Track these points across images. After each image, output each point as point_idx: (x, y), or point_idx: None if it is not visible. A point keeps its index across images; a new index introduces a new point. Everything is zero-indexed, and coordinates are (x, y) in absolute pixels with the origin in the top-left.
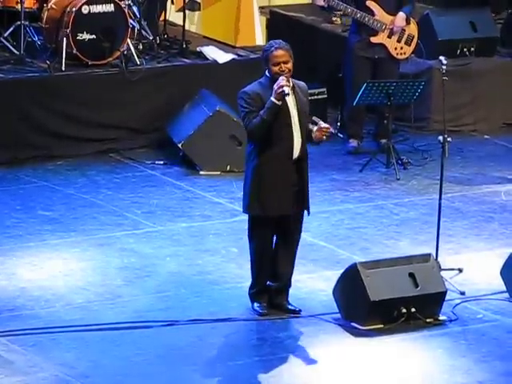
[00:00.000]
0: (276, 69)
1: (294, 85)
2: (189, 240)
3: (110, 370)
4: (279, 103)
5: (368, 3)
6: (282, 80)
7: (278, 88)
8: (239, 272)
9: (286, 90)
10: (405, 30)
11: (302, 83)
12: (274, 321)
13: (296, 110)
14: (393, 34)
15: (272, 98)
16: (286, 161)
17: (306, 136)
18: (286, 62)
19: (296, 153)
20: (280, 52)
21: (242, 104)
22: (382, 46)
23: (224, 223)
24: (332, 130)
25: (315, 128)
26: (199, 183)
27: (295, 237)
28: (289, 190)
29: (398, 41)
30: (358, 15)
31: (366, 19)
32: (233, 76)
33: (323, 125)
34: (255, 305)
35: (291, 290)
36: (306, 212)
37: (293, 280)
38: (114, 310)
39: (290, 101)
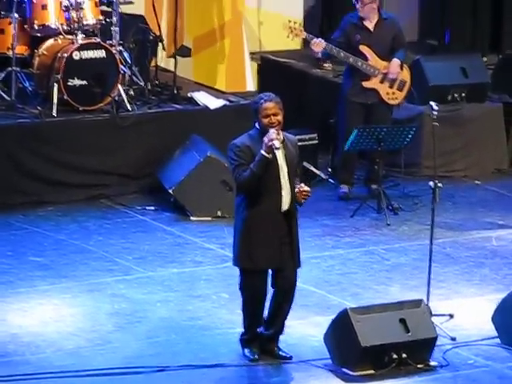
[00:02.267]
0: (266, 121)
1: (284, 138)
2: (180, 286)
3: None
4: (269, 156)
5: (361, 48)
6: (272, 133)
7: (269, 141)
8: (230, 318)
9: (277, 143)
10: (398, 75)
11: (291, 136)
12: (265, 367)
13: (285, 163)
14: (385, 79)
15: (262, 152)
16: (275, 213)
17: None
18: (275, 114)
19: (285, 206)
20: (270, 104)
21: (232, 156)
22: (374, 91)
23: (215, 269)
24: (306, 195)
25: (296, 189)
26: (190, 229)
27: (290, 290)
28: (278, 243)
29: (390, 86)
30: (351, 60)
31: (359, 64)
32: (224, 122)
33: (303, 188)
34: (246, 351)
35: (282, 336)
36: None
37: (285, 325)
38: (105, 355)
39: (280, 154)
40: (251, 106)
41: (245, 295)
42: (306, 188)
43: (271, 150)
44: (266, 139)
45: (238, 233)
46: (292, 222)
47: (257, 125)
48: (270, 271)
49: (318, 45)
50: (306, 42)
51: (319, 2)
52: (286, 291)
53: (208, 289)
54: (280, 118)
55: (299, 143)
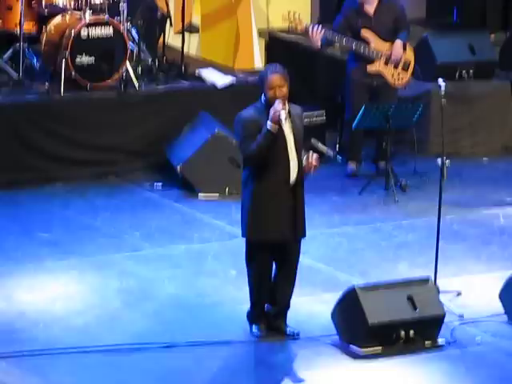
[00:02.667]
0: (271, 93)
1: (290, 110)
2: (187, 262)
3: None
4: (276, 128)
5: (363, 32)
6: (277, 104)
7: (274, 113)
8: (238, 294)
9: (283, 115)
10: (402, 57)
11: (297, 107)
12: (273, 343)
13: (292, 135)
14: (390, 61)
15: (268, 123)
16: (283, 185)
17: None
18: (281, 86)
19: (293, 177)
20: (275, 76)
21: (239, 129)
22: (378, 73)
23: (223, 245)
24: (314, 168)
25: (304, 158)
26: (198, 205)
27: (294, 262)
28: (286, 215)
29: (395, 67)
30: (354, 45)
31: (362, 49)
32: (232, 99)
33: (310, 159)
34: (253, 327)
35: (290, 313)
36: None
37: (291, 302)
38: (113, 332)
39: (286, 126)
40: (258, 78)
41: (252, 269)
42: (315, 162)
43: (277, 121)
44: (271, 111)
45: (246, 205)
46: (299, 194)
47: (263, 97)
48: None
49: (317, 33)
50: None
51: None
52: (289, 264)
53: (216, 265)
54: (285, 90)
55: (306, 119)
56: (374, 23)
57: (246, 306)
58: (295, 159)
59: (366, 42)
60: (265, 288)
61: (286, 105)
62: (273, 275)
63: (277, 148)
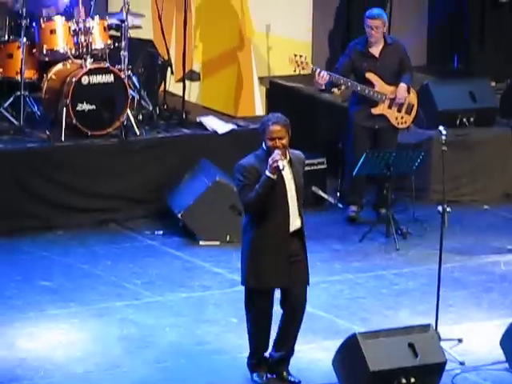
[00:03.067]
0: (271, 143)
1: (290, 157)
2: (188, 310)
3: None
4: (274, 177)
5: (368, 75)
6: (276, 154)
7: (273, 163)
8: (239, 342)
9: (281, 164)
10: (406, 100)
11: (298, 152)
12: None
13: (293, 181)
14: (393, 104)
15: (267, 172)
16: (282, 233)
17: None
18: (281, 138)
19: (292, 225)
20: (276, 127)
21: (239, 177)
22: (382, 116)
23: (223, 293)
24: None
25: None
26: (199, 253)
27: (299, 309)
28: (286, 262)
29: (399, 111)
30: (359, 88)
31: (367, 91)
32: (233, 146)
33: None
34: (254, 375)
35: (291, 360)
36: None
37: (295, 349)
38: (113, 380)
39: (287, 174)
40: (259, 126)
41: (251, 316)
42: (277, 157)
43: (276, 170)
44: (270, 160)
45: (245, 252)
46: (301, 241)
47: (263, 145)
48: (279, 291)
49: (323, 78)
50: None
51: (328, 26)
52: (295, 310)
53: (216, 313)
54: (285, 141)
55: (308, 168)
56: (378, 66)
57: (247, 353)
58: (295, 205)
59: (371, 85)
60: (264, 336)
61: (287, 154)
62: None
63: (276, 195)
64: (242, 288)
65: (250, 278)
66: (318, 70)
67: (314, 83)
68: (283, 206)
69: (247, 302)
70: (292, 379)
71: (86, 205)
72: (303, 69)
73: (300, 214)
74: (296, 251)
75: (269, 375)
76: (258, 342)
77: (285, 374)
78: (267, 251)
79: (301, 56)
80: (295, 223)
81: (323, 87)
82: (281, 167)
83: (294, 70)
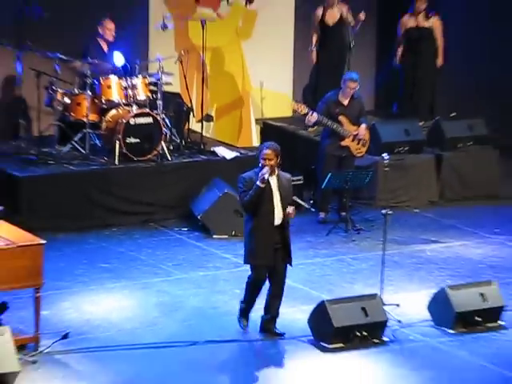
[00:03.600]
0: (262, 162)
1: (279, 175)
2: (205, 284)
3: (150, 377)
4: (262, 186)
5: (340, 118)
6: (264, 170)
7: (261, 175)
8: (257, 309)
9: (266, 176)
10: (364, 136)
11: (287, 175)
12: (266, 342)
13: (278, 192)
14: (355, 139)
15: (257, 182)
16: (269, 227)
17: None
18: (270, 159)
19: (276, 222)
20: (267, 151)
21: (240, 186)
22: (347, 147)
23: (230, 272)
24: (291, 216)
25: (287, 209)
26: (213, 244)
27: (281, 282)
28: (271, 248)
29: (357, 143)
30: (334, 126)
31: (339, 129)
32: (236, 168)
33: (289, 210)
34: (240, 322)
35: (278, 320)
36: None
37: (280, 311)
38: (152, 334)
39: (274, 185)
40: (258, 149)
41: (250, 279)
42: (290, 211)
43: (263, 181)
44: (260, 174)
45: (245, 240)
46: (284, 233)
47: (260, 163)
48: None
49: (313, 117)
50: (294, 111)
51: (303, 83)
52: (277, 283)
53: (225, 286)
54: (273, 162)
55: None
56: (347, 112)
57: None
58: (279, 207)
59: (342, 125)
60: (253, 299)
61: (275, 171)
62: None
63: (265, 200)
64: (244, 268)
65: (247, 257)
66: (311, 112)
67: (306, 121)
68: (270, 208)
69: (250, 275)
70: (278, 332)
71: (133, 209)
72: (301, 110)
73: (284, 214)
74: (279, 240)
75: (260, 335)
76: (251, 297)
77: (273, 328)
78: (258, 239)
79: (300, 102)
80: (278, 220)
81: (311, 124)
82: (266, 178)
83: (294, 112)
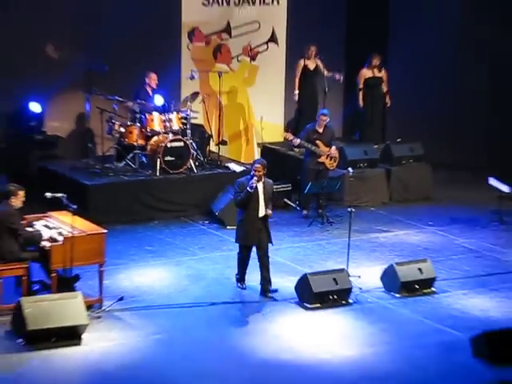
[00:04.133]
0: (253, 173)
1: (264, 181)
2: (222, 261)
3: (182, 327)
4: (251, 191)
5: (317, 142)
6: (253, 179)
7: (251, 183)
8: (249, 277)
9: (254, 184)
10: (335, 155)
11: (270, 181)
12: (261, 303)
13: (263, 194)
14: (329, 157)
15: (247, 188)
16: (254, 218)
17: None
18: (259, 171)
19: (260, 214)
20: (257, 165)
21: (236, 187)
22: (322, 163)
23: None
24: (270, 215)
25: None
26: (227, 232)
27: (265, 258)
28: (256, 232)
29: (330, 160)
30: (313, 148)
31: (316, 150)
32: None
33: (267, 212)
34: (238, 285)
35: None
36: (270, 244)
37: (273, 281)
38: (183, 297)
39: (260, 188)
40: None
41: (239, 256)
42: (270, 213)
43: (251, 188)
44: (250, 183)
45: (237, 227)
46: (265, 222)
47: (252, 173)
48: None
49: (296, 142)
50: (284, 139)
51: (290, 116)
52: (263, 256)
53: (235, 263)
54: (261, 173)
55: (281, 189)
56: (322, 137)
57: (251, 283)
58: (263, 205)
59: (318, 147)
60: (243, 270)
61: (262, 178)
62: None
63: (253, 199)
64: (253, 249)
65: (238, 239)
66: (295, 139)
67: (292, 144)
68: (256, 205)
69: (239, 251)
70: (272, 289)
71: (170, 208)
72: (289, 137)
73: (266, 210)
74: (261, 227)
75: (260, 298)
76: (241, 271)
77: (268, 288)
78: (246, 226)
79: (287, 131)
80: (261, 213)
81: (296, 146)
82: (254, 186)
83: (284, 139)
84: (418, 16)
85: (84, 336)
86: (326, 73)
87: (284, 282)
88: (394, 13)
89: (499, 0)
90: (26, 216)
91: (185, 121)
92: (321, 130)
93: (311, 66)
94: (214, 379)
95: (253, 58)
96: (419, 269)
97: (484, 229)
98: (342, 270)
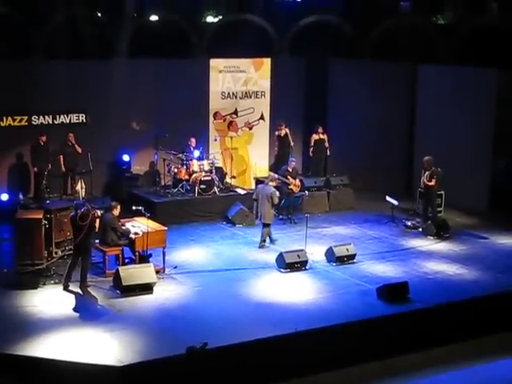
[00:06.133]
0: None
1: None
2: (236, 246)
3: (212, 284)
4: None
5: (288, 176)
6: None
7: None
8: (264, 257)
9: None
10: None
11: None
12: (259, 268)
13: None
14: (295, 185)
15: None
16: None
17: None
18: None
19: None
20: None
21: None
22: (291, 188)
23: (244, 241)
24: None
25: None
26: (236, 229)
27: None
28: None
29: (295, 187)
30: (285, 180)
31: (287, 181)
32: (244, 198)
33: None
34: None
35: (264, 257)
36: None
37: (263, 257)
38: (211, 265)
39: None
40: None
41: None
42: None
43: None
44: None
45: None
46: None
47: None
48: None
49: (277, 179)
50: (268, 175)
51: (272, 160)
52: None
53: (247, 248)
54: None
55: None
56: (291, 174)
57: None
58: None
59: (288, 179)
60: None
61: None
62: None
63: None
64: (248, 239)
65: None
66: (277, 176)
67: (275, 181)
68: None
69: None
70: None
71: (203, 215)
72: (271, 175)
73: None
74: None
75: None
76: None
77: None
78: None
79: (272, 175)
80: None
81: (275, 179)
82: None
83: (268, 177)
84: (346, 103)
85: (154, 289)
86: (291, 141)
87: (269, 257)
88: (332, 98)
89: None
90: (122, 220)
91: (211, 165)
92: (290, 169)
93: (282, 133)
94: (231, 317)
95: (250, 129)
96: (347, 249)
97: (383, 225)
98: (302, 250)
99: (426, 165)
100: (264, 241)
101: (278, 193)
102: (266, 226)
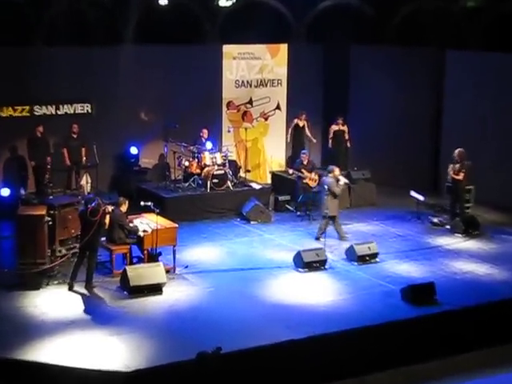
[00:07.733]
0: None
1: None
2: (250, 243)
3: (225, 284)
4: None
5: (302, 170)
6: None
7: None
8: (275, 256)
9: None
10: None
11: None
12: (275, 267)
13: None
14: (310, 179)
15: None
16: None
17: None
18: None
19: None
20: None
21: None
22: (306, 183)
23: (259, 237)
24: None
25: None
26: (251, 226)
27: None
28: None
29: (311, 181)
30: (300, 174)
31: (303, 175)
32: (260, 193)
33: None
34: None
35: (281, 257)
36: None
37: (279, 256)
38: (224, 265)
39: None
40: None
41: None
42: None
43: None
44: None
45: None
46: None
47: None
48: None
49: (291, 170)
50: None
51: (289, 154)
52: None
53: (261, 243)
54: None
55: (283, 199)
56: (306, 167)
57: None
58: None
59: (303, 173)
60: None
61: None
62: None
63: None
64: (268, 237)
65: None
66: (291, 171)
67: (289, 172)
68: None
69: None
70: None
71: (217, 211)
72: (291, 175)
73: None
74: None
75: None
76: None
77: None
78: None
79: (291, 169)
80: None
81: (291, 172)
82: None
83: (285, 171)
84: (368, 93)
85: (164, 289)
86: (309, 131)
87: (286, 256)
88: (353, 87)
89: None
90: (129, 216)
91: (225, 157)
92: (305, 163)
93: (301, 124)
94: (244, 320)
95: (266, 119)
96: (369, 247)
97: (407, 222)
98: (321, 249)
99: (458, 157)
100: (322, 233)
101: (341, 182)
102: (327, 218)
